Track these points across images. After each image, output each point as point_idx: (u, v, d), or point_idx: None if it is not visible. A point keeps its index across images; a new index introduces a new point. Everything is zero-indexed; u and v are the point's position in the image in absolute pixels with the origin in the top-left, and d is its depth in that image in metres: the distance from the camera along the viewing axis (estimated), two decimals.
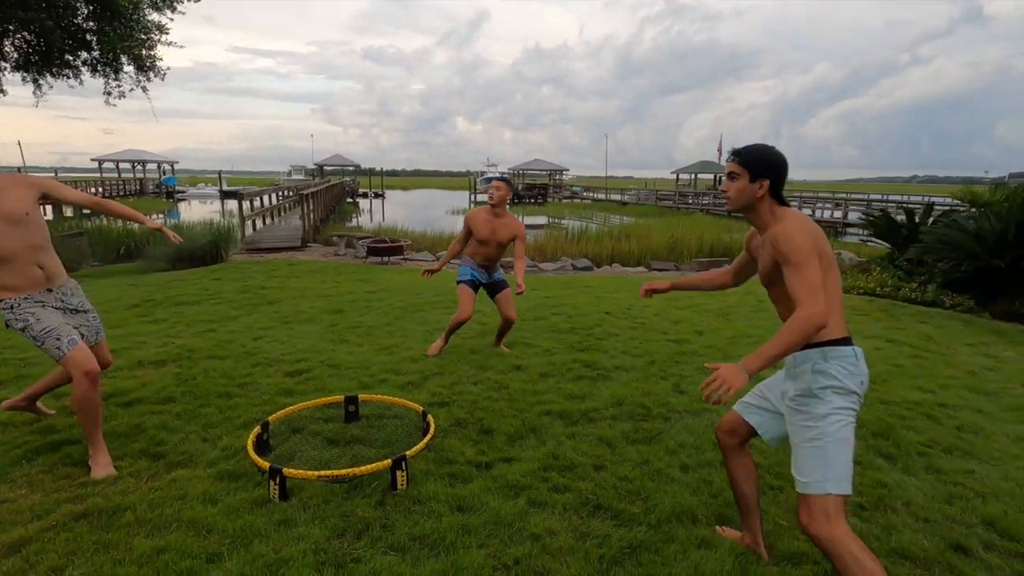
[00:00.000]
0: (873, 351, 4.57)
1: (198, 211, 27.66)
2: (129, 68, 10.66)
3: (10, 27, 10.17)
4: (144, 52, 9.70)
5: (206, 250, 9.62)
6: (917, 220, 7.84)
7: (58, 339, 2.48)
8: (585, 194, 44.66)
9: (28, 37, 10.66)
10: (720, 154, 47.88)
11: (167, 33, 9.70)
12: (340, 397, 3.09)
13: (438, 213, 32.37)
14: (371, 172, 52.51)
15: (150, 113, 12.95)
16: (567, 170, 51.03)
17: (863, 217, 11.39)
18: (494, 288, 4.25)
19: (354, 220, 25.46)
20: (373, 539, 2.04)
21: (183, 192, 42.76)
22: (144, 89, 10.51)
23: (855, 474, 2.53)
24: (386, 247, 9.58)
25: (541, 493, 2.35)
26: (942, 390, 3.73)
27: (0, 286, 2.48)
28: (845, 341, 1.66)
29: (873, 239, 9.16)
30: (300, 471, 2.27)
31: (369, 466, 2.31)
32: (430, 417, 2.83)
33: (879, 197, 31.38)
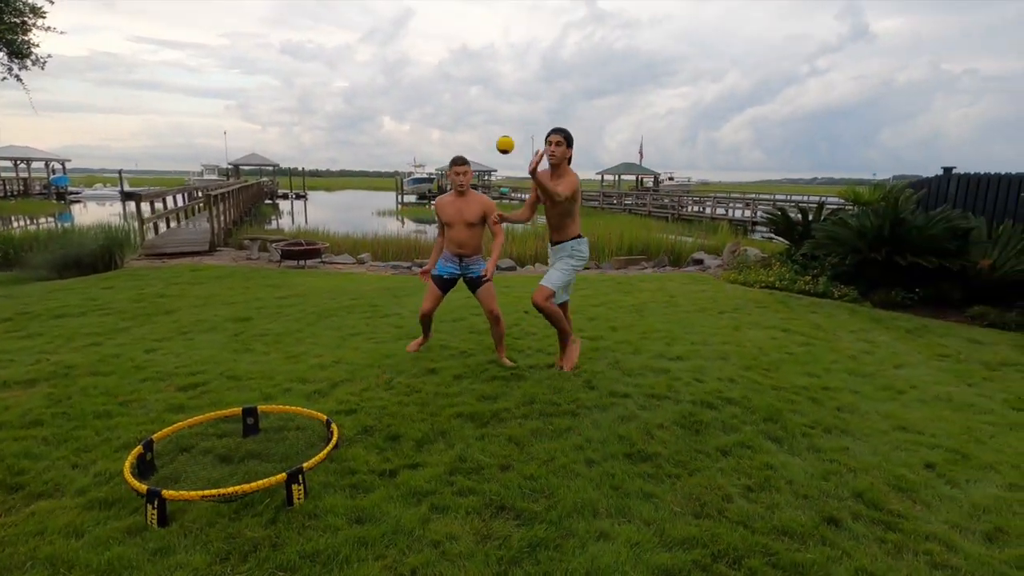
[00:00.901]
0: (769, 340, 4.88)
1: (96, 214, 25.25)
2: (0, 53, 9.56)
3: None
4: (18, 37, 8.71)
5: (97, 256, 8.79)
6: (810, 218, 8.49)
7: None
8: (514, 195, 45.03)
9: None
10: (641, 156, 49.86)
11: (43, 17, 8.77)
12: (238, 410, 2.90)
13: (364, 214, 31.50)
14: (292, 172, 50.33)
15: (38, 105, 11.71)
16: (496, 171, 51.26)
17: (762, 217, 12.20)
18: (474, 283, 4.03)
19: (273, 222, 24.25)
20: (260, 560, 1.92)
21: (78, 193, 39.09)
22: (18, 78, 9.45)
23: (747, 458, 2.68)
24: (301, 250, 9.17)
25: (445, 498, 2.31)
26: (826, 374, 4.04)
27: None
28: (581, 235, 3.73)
29: (774, 236, 9.83)
30: (182, 492, 2.10)
31: (260, 482, 2.17)
32: (334, 426, 2.72)
33: (783, 197, 33.81)
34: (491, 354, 4.29)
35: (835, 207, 9.41)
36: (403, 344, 4.52)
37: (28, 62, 9.72)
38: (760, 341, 4.85)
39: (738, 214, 26.82)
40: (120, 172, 42.60)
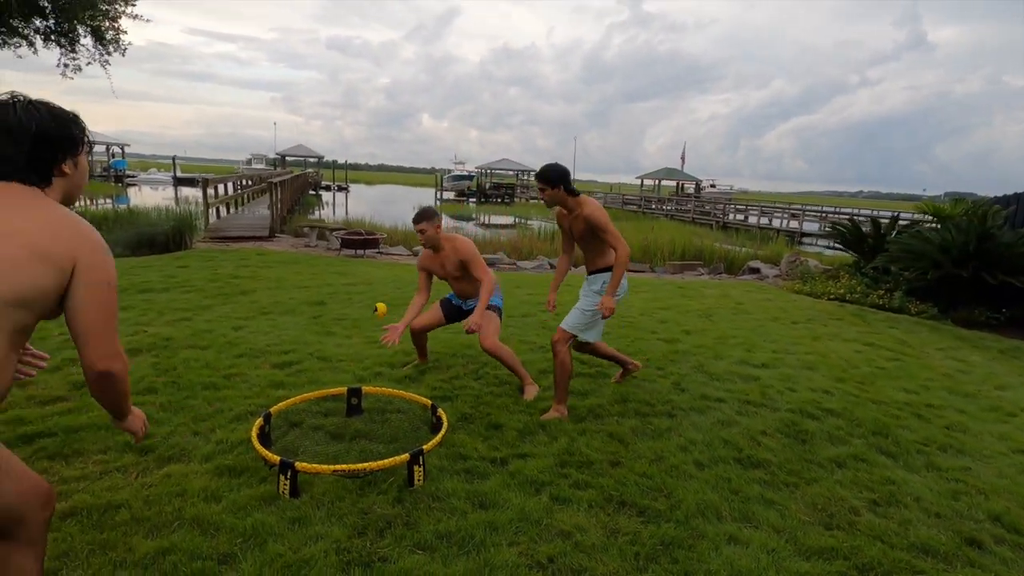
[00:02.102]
0: (855, 353, 4.72)
1: (150, 197, 26.25)
2: (86, 40, 10.02)
3: None
4: (107, 24, 9.11)
5: (169, 236, 9.13)
6: (883, 231, 8.19)
7: None
8: None
9: None
10: (683, 162, 49.11)
11: (134, 5, 9.16)
12: (343, 389, 2.95)
13: (404, 208, 31.87)
14: (334, 165, 51.34)
15: (100, 92, 12.20)
16: (534, 170, 51.27)
17: (828, 227, 11.83)
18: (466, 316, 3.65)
19: (316, 212, 24.77)
20: (397, 537, 1.94)
21: (134, 176, 40.67)
22: (104, 64, 9.88)
23: (864, 471, 2.59)
24: (361, 239, 9.33)
25: (563, 489, 2.30)
26: (924, 391, 3.87)
27: None
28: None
29: (837, 247, 9.53)
30: (314, 465, 2.14)
31: (386, 461, 2.20)
32: (441, 411, 2.73)
33: (832, 209, 32.82)
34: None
35: (908, 221, 9.06)
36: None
37: (111, 48, 10.16)
38: (845, 353, 4.68)
39: (784, 224, 26.16)
40: (174, 158, 44.24)
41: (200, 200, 11.53)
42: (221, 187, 14.18)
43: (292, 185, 18.94)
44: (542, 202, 3.04)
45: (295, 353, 3.84)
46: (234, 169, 47.84)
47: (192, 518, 1.98)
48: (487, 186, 43.46)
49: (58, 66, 9.48)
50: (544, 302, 3.56)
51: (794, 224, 25.91)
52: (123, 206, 18.35)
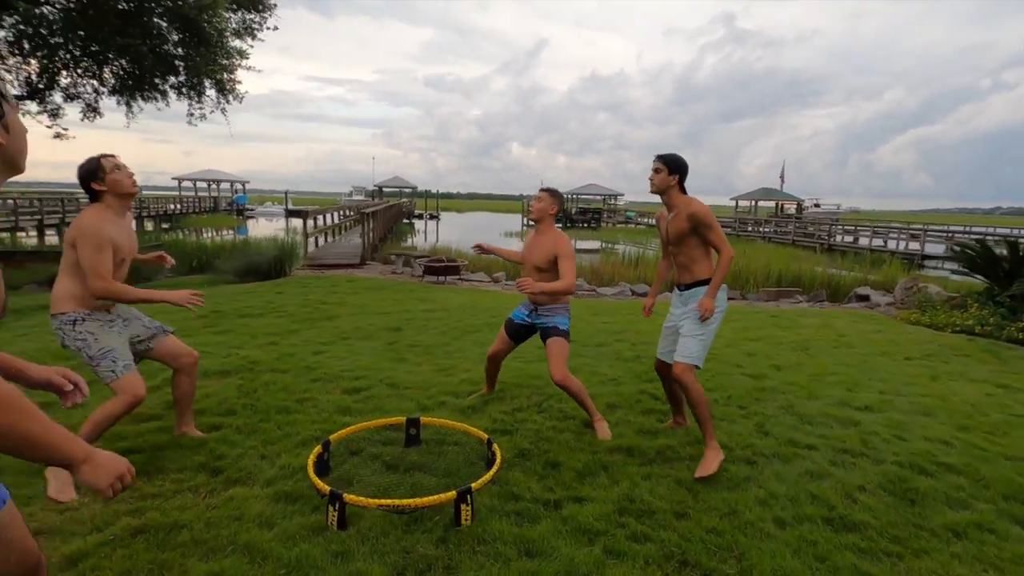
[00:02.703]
0: (984, 397, 4.06)
1: (264, 228, 28.99)
2: (211, 92, 11.30)
3: (110, 55, 11.05)
4: (225, 76, 10.26)
5: (271, 264, 9.92)
6: (1022, 253, 7.10)
7: (115, 360, 2.44)
8: (640, 220, 44.00)
9: (124, 63, 11.54)
10: (783, 181, 46.30)
11: (247, 58, 10.27)
12: (402, 419, 2.96)
13: (491, 235, 32.59)
14: (427, 194, 53.84)
15: (226, 136, 13.71)
16: (622, 195, 50.57)
17: (955, 249, 10.51)
18: (544, 333, 3.24)
19: (409, 240, 25.98)
20: None
21: (252, 210, 45.12)
22: (223, 111, 11.10)
23: (991, 544, 2.16)
24: (443, 266, 9.59)
25: (618, 541, 2.11)
26: None
27: (70, 297, 2.44)
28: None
29: (965, 272, 8.39)
30: (360, 498, 2.13)
31: (432, 498, 2.14)
32: (495, 446, 2.64)
33: (960, 229, 29.27)
34: (642, 383, 4.02)
35: None
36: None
37: (230, 97, 11.42)
38: (971, 396, 4.04)
39: (901, 246, 23.67)
40: (286, 193, 48.59)
41: (304, 230, 12.48)
42: (321, 218, 15.29)
43: (385, 215, 20.03)
44: (650, 184, 2.86)
45: (366, 379, 3.93)
46: (336, 201, 51.60)
47: (245, 544, 2.03)
48: (573, 211, 43.45)
49: (188, 115, 10.83)
50: (622, 330, 3.40)
51: (914, 246, 23.41)
52: (242, 236, 20.34)
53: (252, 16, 10.43)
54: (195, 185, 41.96)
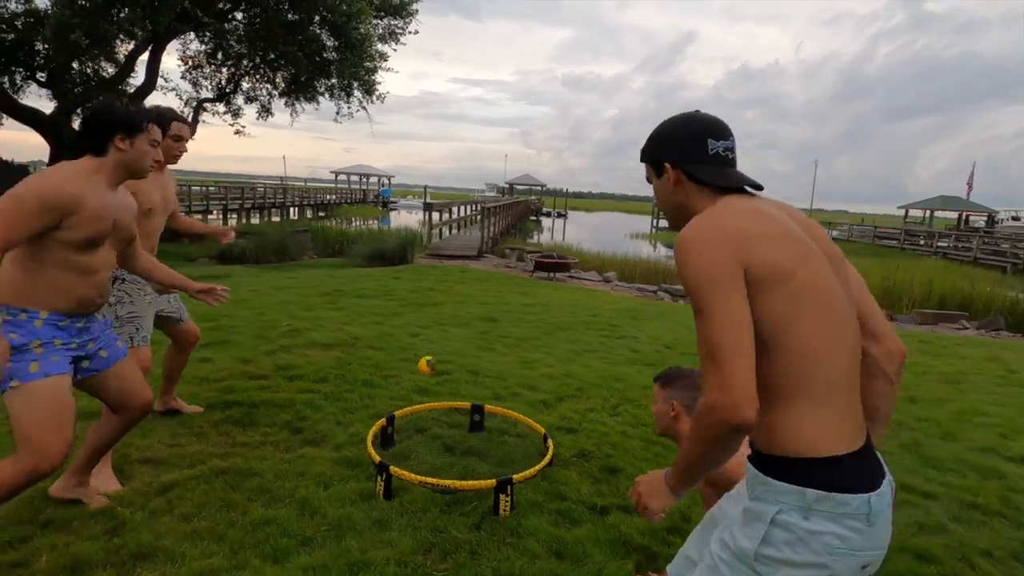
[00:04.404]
0: None
1: (405, 219, 31.25)
2: (357, 93, 12.42)
3: (281, 62, 12.64)
4: (369, 78, 11.23)
5: (395, 252, 10.69)
6: None
7: (138, 329, 2.41)
8: None
9: (292, 70, 13.12)
10: (970, 188, 39.53)
11: (386, 60, 11.14)
12: (467, 404, 3.02)
13: (617, 235, 31.96)
14: (557, 193, 54.25)
15: (380, 135, 15.06)
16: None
17: None
18: None
19: (536, 237, 26.40)
20: (457, 564, 1.87)
21: (395, 202, 48.93)
22: (365, 110, 12.16)
23: None
24: (553, 263, 9.62)
25: (657, 560, 1.96)
26: None
27: None
28: (837, 470, 0.90)
29: None
30: (404, 472, 2.21)
31: (472, 483, 2.17)
32: (550, 442, 2.59)
33: None
34: None
35: None
36: (636, 368, 4.23)
37: (373, 97, 12.46)
38: None
39: None
40: (425, 187, 51.96)
41: (435, 222, 13.26)
42: (446, 212, 16.14)
43: (509, 211, 20.56)
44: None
45: (450, 363, 4.06)
46: (471, 196, 54.09)
47: (301, 499, 2.20)
48: None
49: (336, 115, 12.09)
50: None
51: None
52: (384, 226, 22.09)
53: (396, 22, 11.28)
54: (348, 178, 46.49)
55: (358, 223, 25.40)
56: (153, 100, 13.57)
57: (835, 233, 35.00)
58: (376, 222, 27.86)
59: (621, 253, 15.35)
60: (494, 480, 2.16)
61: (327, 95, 12.15)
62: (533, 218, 39.77)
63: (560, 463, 2.63)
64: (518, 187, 49.35)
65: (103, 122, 1.74)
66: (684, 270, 0.94)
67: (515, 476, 2.20)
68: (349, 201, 41.68)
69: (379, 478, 2.25)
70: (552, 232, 32.06)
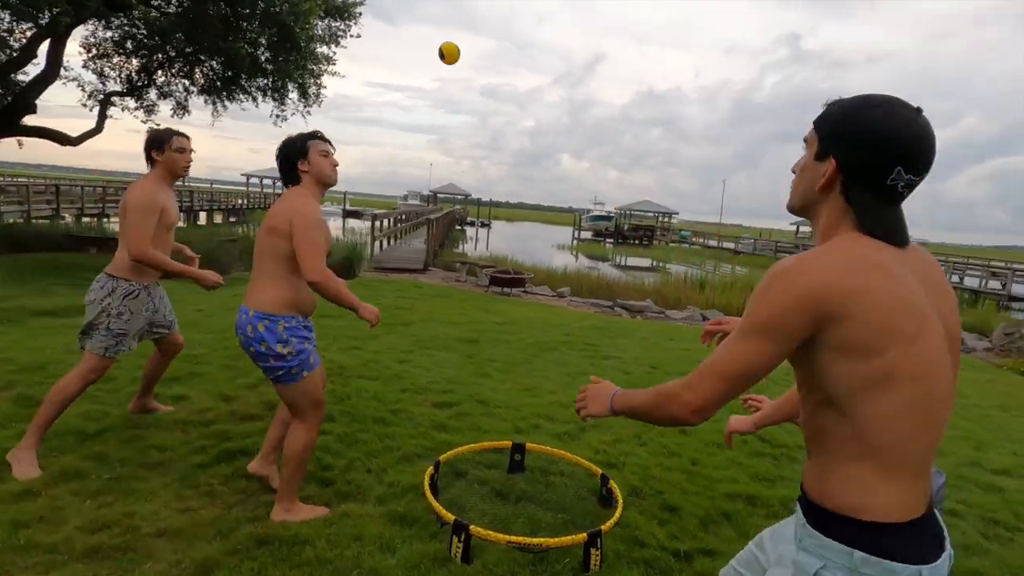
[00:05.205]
0: None
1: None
2: (292, 95, 11.70)
3: (202, 56, 11.62)
4: (312, 81, 10.58)
5: (341, 265, 10.11)
6: None
7: (120, 345, 2.58)
8: (694, 240, 42.98)
9: (215, 65, 12.10)
10: None
11: (334, 64, 10.54)
12: (507, 443, 2.84)
13: (541, 245, 32.50)
14: (479, 202, 54.37)
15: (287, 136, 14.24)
16: (676, 213, 49.66)
17: None
18: None
19: (461, 247, 26.20)
20: None
21: None
22: (304, 115, 11.46)
23: None
24: (509, 278, 9.54)
25: None
26: None
27: (130, 267, 2.58)
28: (889, 537, 0.85)
29: None
30: (489, 532, 2.01)
31: (564, 538, 2.01)
32: (613, 484, 2.49)
33: None
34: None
35: None
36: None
37: (310, 100, 11.78)
38: None
39: (981, 284, 22.18)
40: (345, 194, 50.05)
41: (364, 231, 12.71)
42: (386, 222, 15.59)
43: (443, 221, 20.26)
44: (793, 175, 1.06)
45: (453, 394, 3.85)
46: (395, 204, 52.89)
47: (369, 569, 1.95)
48: (625, 227, 42.90)
49: (274, 116, 11.26)
50: (702, 359, 3.06)
51: (993, 284, 21.94)
52: None
53: (338, 24, 10.74)
54: (261, 181, 43.74)
55: None
56: (54, 91, 11.94)
57: (741, 246, 37.86)
58: None
59: (550, 265, 15.55)
60: (585, 534, 2.03)
61: (261, 96, 11.29)
62: (459, 227, 39.56)
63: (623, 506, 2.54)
64: (441, 196, 48.92)
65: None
66: (761, 294, 0.89)
67: (603, 526, 2.08)
68: (263, 206, 39.20)
69: (456, 539, 2.04)
70: (476, 242, 32.01)
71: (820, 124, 0.96)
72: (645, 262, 27.06)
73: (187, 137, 2.69)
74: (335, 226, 31.32)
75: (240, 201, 36.32)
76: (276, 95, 11.64)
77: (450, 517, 2.08)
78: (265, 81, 11.12)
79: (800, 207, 1.02)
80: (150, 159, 2.65)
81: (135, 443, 2.75)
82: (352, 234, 21.18)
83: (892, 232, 0.91)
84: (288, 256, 2.08)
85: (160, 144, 2.62)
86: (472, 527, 2.03)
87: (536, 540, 2.01)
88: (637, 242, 39.98)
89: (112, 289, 2.57)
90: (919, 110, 0.91)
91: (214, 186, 45.81)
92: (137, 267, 2.58)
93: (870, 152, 0.89)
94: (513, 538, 2.01)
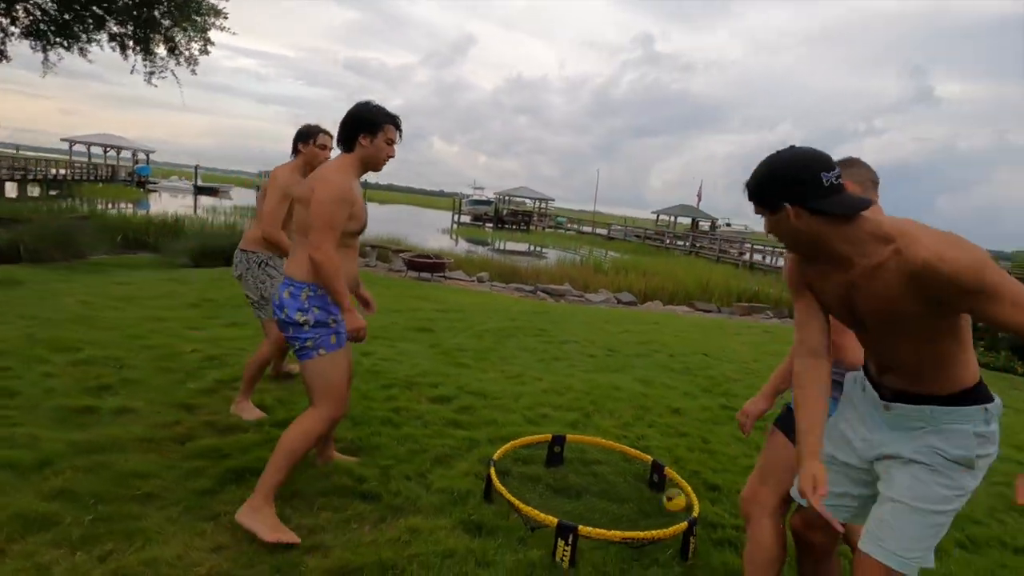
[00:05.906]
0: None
1: (169, 204, 26.10)
2: (160, 50, 10.05)
3: None
4: (191, 35, 9.11)
5: (228, 249, 8.97)
6: None
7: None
8: (569, 225, 45.05)
9: (43, 2, 9.94)
10: (699, 199, 49.44)
11: (226, 18, 9.12)
12: (546, 437, 2.74)
13: (419, 230, 31.69)
14: (365, 185, 51.52)
15: (118, 99, 12.22)
16: (553, 200, 51.58)
17: None
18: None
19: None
20: None
21: (155, 183, 40.83)
22: (174, 75, 9.86)
23: None
24: (430, 263, 9.17)
25: None
26: None
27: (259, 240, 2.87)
28: (986, 387, 1.32)
29: None
30: (598, 530, 1.92)
31: (668, 530, 1.99)
32: (668, 470, 2.52)
33: None
34: (717, 398, 4.04)
35: None
36: (614, 377, 4.33)
37: (181, 59, 10.16)
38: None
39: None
40: (196, 167, 44.50)
41: (227, 210, 11.37)
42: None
43: None
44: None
45: (444, 387, 3.62)
46: (254, 182, 48.15)
47: None
48: (504, 212, 43.59)
49: (146, 73, 9.43)
50: (647, 340, 3.23)
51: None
52: (143, 212, 17.94)
53: None
54: (89, 149, 37.23)
55: (109, 206, 20.25)
56: None
57: (613, 232, 40.40)
58: (133, 206, 22.62)
59: (439, 248, 15.30)
60: (686, 523, 2.02)
61: (118, 46, 9.43)
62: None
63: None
64: None
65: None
66: (992, 265, 1.10)
67: (695, 513, 2.09)
68: (92, 178, 33.40)
69: (562, 543, 1.91)
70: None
71: (757, 195, 1.26)
72: (523, 246, 27.69)
73: (330, 135, 2.82)
74: (184, 203, 27.61)
75: (62, 171, 30.58)
76: (138, 47, 9.87)
77: (552, 520, 1.95)
78: (125, 30, 9.37)
79: (807, 250, 1.31)
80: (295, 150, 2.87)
81: (101, 472, 2.19)
82: (212, 213, 18.83)
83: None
84: None
85: (305, 138, 2.83)
86: (581, 528, 1.92)
87: (643, 534, 1.96)
88: (515, 227, 40.86)
89: (247, 264, 2.99)
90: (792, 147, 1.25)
91: (21, 151, 37.83)
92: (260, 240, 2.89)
93: (802, 179, 1.19)
94: (620, 533, 1.94)
